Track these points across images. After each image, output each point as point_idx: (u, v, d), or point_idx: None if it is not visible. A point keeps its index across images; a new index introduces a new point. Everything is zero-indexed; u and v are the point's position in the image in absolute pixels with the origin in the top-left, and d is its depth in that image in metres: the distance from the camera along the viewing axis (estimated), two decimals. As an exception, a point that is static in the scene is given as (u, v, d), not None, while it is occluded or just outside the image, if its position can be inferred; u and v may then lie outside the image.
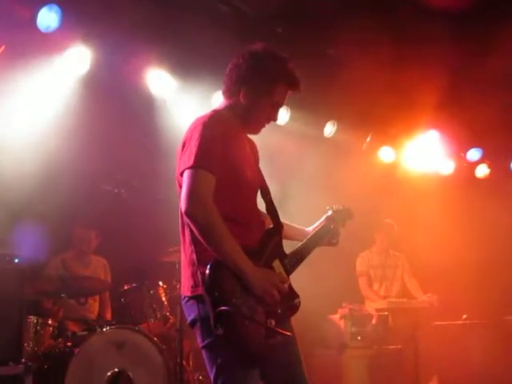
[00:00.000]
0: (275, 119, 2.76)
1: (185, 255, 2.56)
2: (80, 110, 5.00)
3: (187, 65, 5.33)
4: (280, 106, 2.73)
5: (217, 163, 2.47)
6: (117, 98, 5.17)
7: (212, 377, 2.46)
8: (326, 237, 2.97)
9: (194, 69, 5.32)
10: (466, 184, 7.34)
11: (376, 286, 6.50)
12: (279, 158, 5.94)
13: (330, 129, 6.64)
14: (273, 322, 2.45)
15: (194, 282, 2.46)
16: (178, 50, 5.20)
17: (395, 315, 6.01)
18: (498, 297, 6.38)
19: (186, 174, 2.45)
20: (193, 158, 2.44)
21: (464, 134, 7.02)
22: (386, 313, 5.96)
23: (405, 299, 6.30)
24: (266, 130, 2.80)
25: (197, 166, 2.43)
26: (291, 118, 6.10)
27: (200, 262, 2.43)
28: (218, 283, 2.36)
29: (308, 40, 5.54)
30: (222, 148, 2.50)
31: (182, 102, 5.46)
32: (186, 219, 2.45)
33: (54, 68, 4.88)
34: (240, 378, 2.42)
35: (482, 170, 7.59)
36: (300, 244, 2.83)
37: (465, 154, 7.48)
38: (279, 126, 6.06)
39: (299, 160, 6.23)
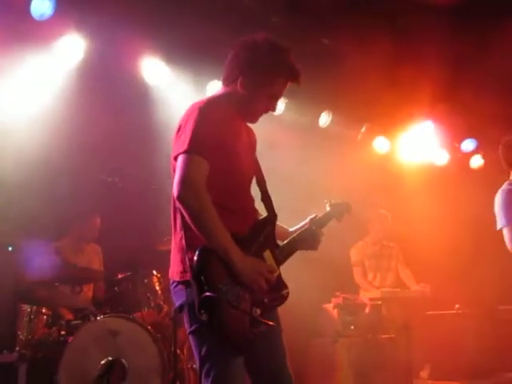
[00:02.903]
0: (274, 110, 2.73)
1: (175, 241, 2.56)
2: (74, 99, 4.98)
3: (182, 53, 5.30)
4: (278, 97, 2.70)
5: (211, 149, 2.45)
6: (111, 86, 5.15)
7: (198, 363, 2.46)
8: (308, 240, 2.87)
9: (189, 57, 5.30)
10: (460, 175, 7.36)
11: (370, 276, 6.53)
12: (274, 147, 5.93)
13: (325, 119, 6.63)
14: (258, 311, 2.45)
15: (184, 267, 2.46)
16: (173, 39, 5.17)
17: (388, 305, 6.05)
18: (491, 287, 6.40)
19: (180, 159, 2.44)
20: (187, 143, 2.43)
21: (459, 125, 7.02)
22: (380, 302, 5.99)
23: (398, 289, 6.34)
24: (260, 119, 2.79)
25: (190, 151, 2.42)
26: (286, 107, 6.08)
27: (189, 247, 2.43)
28: (205, 269, 2.36)
29: (304, 29, 5.51)
30: (216, 134, 2.49)
31: (176, 90, 5.44)
32: (177, 204, 2.45)
33: (48, 56, 4.86)
34: (225, 365, 2.42)
35: (477, 161, 7.60)
36: (282, 244, 2.76)
37: (459, 145, 7.50)
38: (274, 116, 6.03)
39: (294, 150, 6.22)
